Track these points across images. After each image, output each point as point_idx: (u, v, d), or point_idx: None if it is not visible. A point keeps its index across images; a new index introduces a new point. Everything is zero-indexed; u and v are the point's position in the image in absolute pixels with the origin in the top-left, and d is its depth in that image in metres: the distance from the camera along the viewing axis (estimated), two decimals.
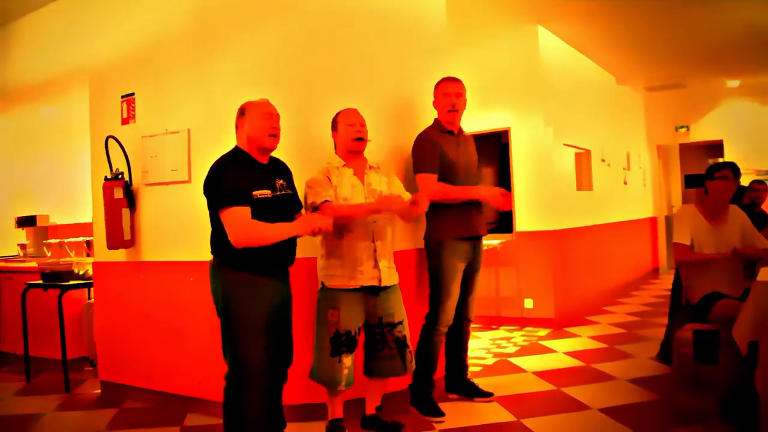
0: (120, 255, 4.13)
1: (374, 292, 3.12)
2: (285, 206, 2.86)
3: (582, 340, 5.45)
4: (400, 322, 3.19)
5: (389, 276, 3.17)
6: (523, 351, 5.15)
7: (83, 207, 5.32)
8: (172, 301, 3.83)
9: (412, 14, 4.09)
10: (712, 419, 3.25)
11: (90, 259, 4.80)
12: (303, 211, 3.06)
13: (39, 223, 6.11)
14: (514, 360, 4.83)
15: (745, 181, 6.18)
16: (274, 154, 2.97)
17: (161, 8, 3.98)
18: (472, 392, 3.84)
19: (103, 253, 4.22)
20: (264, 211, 2.71)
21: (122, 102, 4.16)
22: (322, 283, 3.15)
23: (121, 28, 4.22)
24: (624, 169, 8.81)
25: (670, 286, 4.60)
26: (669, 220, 10.29)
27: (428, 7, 4.26)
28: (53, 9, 5.38)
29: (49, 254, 5.60)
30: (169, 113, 3.90)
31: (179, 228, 3.81)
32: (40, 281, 4.64)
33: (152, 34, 4.02)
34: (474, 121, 6.30)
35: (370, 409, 3.34)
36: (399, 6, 3.99)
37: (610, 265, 7.92)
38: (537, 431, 3.26)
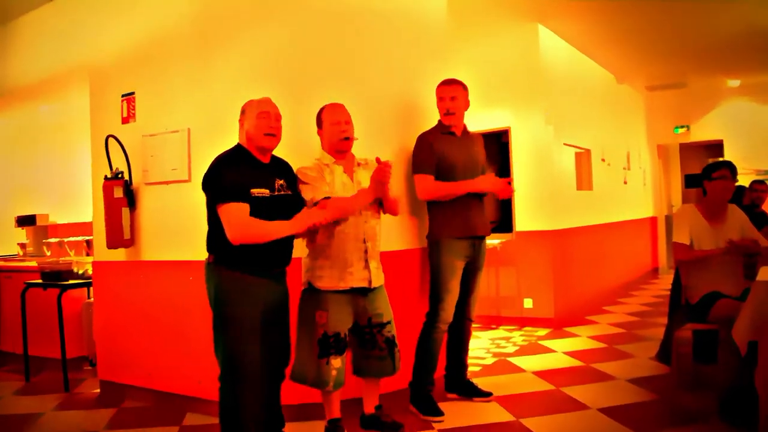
0: (120, 254, 4.13)
1: (363, 292, 3.09)
2: (283, 207, 2.82)
3: (581, 339, 5.45)
4: (389, 322, 3.18)
5: (378, 277, 3.15)
6: (523, 351, 5.14)
7: (83, 206, 5.33)
8: (172, 300, 3.83)
9: (412, 13, 4.09)
10: (711, 419, 3.25)
11: (90, 259, 4.80)
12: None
13: (39, 223, 6.13)
14: (514, 360, 4.83)
15: (745, 181, 6.18)
16: (273, 152, 2.96)
17: (161, 7, 3.98)
18: (471, 392, 3.84)
19: (102, 252, 4.22)
20: (261, 211, 2.69)
21: (122, 101, 4.16)
22: (309, 284, 3.10)
23: (121, 26, 4.22)
24: (624, 168, 8.81)
25: (670, 286, 4.60)
26: (669, 219, 10.28)
27: (429, 6, 4.25)
28: (54, 7, 5.38)
29: (48, 253, 5.60)
30: (169, 112, 3.90)
31: (179, 227, 3.81)
32: (40, 280, 4.65)
33: (152, 33, 4.02)
34: (474, 120, 6.25)
35: (369, 409, 3.33)
36: (400, 5, 3.99)
37: (610, 264, 7.92)
38: (536, 431, 3.25)
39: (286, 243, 2.85)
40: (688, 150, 10.85)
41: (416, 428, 3.37)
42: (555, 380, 4.17)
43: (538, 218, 6.20)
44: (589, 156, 7.48)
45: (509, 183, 3.69)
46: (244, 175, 2.71)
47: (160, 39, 3.97)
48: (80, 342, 4.87)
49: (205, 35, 3.75)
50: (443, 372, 3.91)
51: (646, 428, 3.20)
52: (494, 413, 3.57)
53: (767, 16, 6.04)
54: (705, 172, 3.75)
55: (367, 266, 3.08)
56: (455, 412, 3.59)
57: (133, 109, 4.11)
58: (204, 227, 2.82)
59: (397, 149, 3.78)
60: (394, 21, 3.93)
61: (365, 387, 3.31)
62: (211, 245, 2.79)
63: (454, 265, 3.61)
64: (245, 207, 2.66)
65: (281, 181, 2.86)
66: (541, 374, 4.36)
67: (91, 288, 4.73)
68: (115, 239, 4.01)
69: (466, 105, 3.73)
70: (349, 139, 3.13)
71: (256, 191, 2.71)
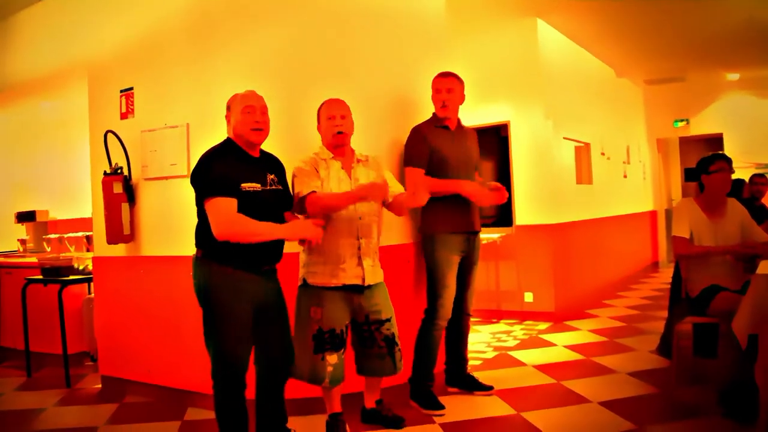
0: (120, 250, 4.13)
1: (358, 290, 3.07)
2: (275, 201, 2.80)
3: (582, 333, 5.46)
4: (388, 320, 3.14)
5: (373, 274, 3.11)
6: (523, 344, 5.15)
7: (83, 202, 5.32)
8: (173, 295, 3.83)
9: (411, 8, 4.07)
10: (711, 412, 3.26)
11: (90, 254, 4.80)
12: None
13: (38, 218, 6.13)
14: (514, 353, 4.84)
15: (745, 174, 6.19)
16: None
17: (160, 3, 3.96)
18: (472, 386, 3.85)
19: (102, 247, 4.22)
20: (253, 205, 2.66)
21: (121, 96, 4.15)
22: (304, 279, 3.09)
23: (119, 22, 4.20)
24: (624, 162, 8.81)
25: (670, 280, 4.60)
26: (669, 213, 10.29)
27: (427, 1, 4.24)
28: (52, 3, 5.36)
29: (48, 249, 5.60)
30: (168, 108, 3.89)
31: (179, 222, 3.80)
32: (40, 276, 4.64)
33: (151, 29, 4.01)
34: (473, 114, 6.28)
35: (370, 403, 3.34)
36: (399, 1, 3.98)
37: (610, 258, 7.93)
38: (537, 424, 3.26)
39: (277, 240, 2.81)
40: (687, 144, 10.84)
41: (417, 422, 3.37)
42: (556, 374, 4.18)
43: (538, 212, 6.20)
44: (588, 150, 7.47)
45: (499, 188, 3.51)
46: (233, 169, 2.68)
47: (158, 34, 3.96)
48: (81, 337, 4.88)
49: (204, 30, 3.74)
50: (443, 366, 3.92)
51: (647, 422, 3.20)
52: (495, 407, 3.58)
53: (766, 9, 6.03)
54: (701, 167, 3.72)
55: (360, 263, 3.05)
56: (456, 406, 3.60)
57: (132, 105, 4.10)
58: None
59: (392, 143, 3.78)
60: (392, 16, 3.92)
61: (366, 381, 3.31)
62: (199, 240, 2.76)
63: (450, 260, 3.60)
64: (233, 202, 2.62)
65: (272, 176, 2.83)
66: (542, 368, 4.37)
67: (92, 283, 4.74)
68: (114, 235, 4.01)
69: (461, 99, 3.71)
70: (342, 134, 3.10)
71: (247, 185, 2.67)
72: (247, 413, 2.79)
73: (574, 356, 4.68)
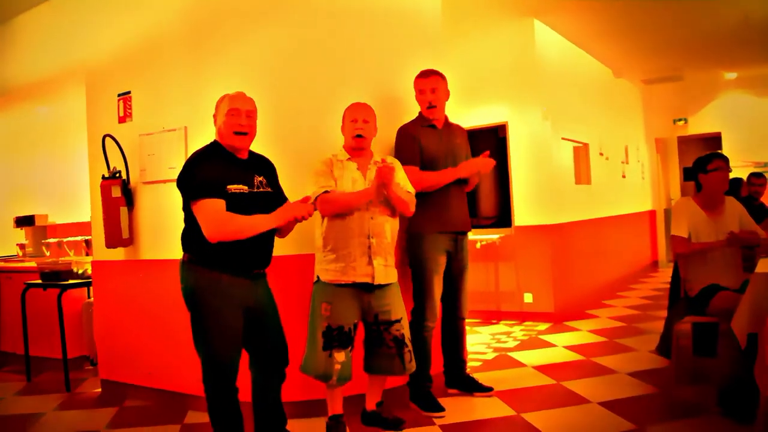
0: (119, 254, 4.13)
1: (368, 288, 3.10)
2: (263, 204, 2.76)
3: (582, 333, 5.46)
4: (398, 320, 3.16)
5: (385, 274, 3.13)
6: (523, 345, 5.15)
7: (81, 206, 5.32)
8: (172, 298, 3.80)
9: (406, 8, 4.08)
10: (711, 411, 3.26)
11: (89, 258, 4.80)
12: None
13: (37, 223, 6.12)
14: (514, 354, 4.84)
15: (743, 173, 6.19)
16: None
17: (157, 7, 3.97)
18: (472, 387, 3.84)
19: (101, 251, 4.21)
20: (239, 207, 2.64)
21: (119, 100, 4.16)
22: (318, 276, 3.14)
23: (117, 26, 4.21)
24: (622, 162, 8.81)
25: (669, 279, 4.60)
26: (668, 213, 10.29)
27: (423, 1, 4.24)
28: (49, 7, 5.36)
29: (48, 254, 5.60)
30: (165, 111, 3.90)
31: (177, 226, 3.77)
32: (40, 281, 4.64)
33: (148, 33, 4.01)
34: (471, 115, 6.30)
35: (371, 405, 3.34)
36: (394, 1, 3.98)
37: (610, 258, 7.93)
38: (537, 425, 3.26)
39: (265, 243, 2.80)
40: (686, 143, 10.84)
41: (417, 424, 3.37)
42: (555, 374, 4.18)
43: (537, 213, 6.20)
44: (587, 150, 7.48)
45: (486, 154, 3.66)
46: (219, 171, 2.66)
47: (155, 38, 3.97)
48: (81, 342, 4.87)
49: (201, 34, 3.75)
50: (442, 368, 3.91)
51: (647, 421, 3.20)
52: (495, 408, 3.58)
53: (763, 8, 6.04)
54: (698, 166, 3.73)
55: (370, 262, 3.08)
56: (456, 407, 3.60)
57: (130, 109, 4.11)
58: None
59: (386, 142, 3.77)
60: (388, 17, 3.93)
61: (369, 383, 3.31)
62: (186, 244, 2.75)
63: (437, 261, 3.60)
64: (221, 203, 2.60)
65: (261, 178, 2.81)
66: (542, 368, 4.37)
67: (91, 288, 4.73)
68: (113, 238, 4.01)
69: (447, 95, 3.71)
70: (362, 137, 3.17)
71: (233, 187, 2.65)
72: (241, 415, 2.78)
73: (573, 357, 4.67)
